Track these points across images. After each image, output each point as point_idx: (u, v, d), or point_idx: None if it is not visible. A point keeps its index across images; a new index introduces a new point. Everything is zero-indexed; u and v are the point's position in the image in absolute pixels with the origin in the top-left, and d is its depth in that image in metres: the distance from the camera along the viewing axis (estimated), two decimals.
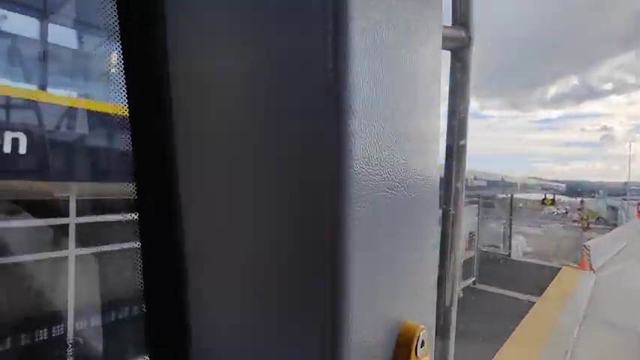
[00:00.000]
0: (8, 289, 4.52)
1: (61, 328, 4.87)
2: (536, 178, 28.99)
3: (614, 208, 35.18)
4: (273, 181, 0.51)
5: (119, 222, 5.32)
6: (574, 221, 32.02)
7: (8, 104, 2.63)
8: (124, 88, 0.65)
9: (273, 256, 0.51)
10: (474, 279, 12.67)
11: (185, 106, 0.60)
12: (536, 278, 12.87)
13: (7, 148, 2.57)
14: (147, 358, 0.66)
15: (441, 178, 0.76)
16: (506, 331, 8.30)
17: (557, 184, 30.57)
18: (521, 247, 18.22)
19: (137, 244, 0.66)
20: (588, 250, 14.30)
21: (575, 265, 14.79)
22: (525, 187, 20.61)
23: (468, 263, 12.25)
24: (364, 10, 0.46)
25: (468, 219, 12.08)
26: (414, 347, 0.53)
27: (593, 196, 42.72)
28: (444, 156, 0.85)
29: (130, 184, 0.63)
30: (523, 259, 16.83)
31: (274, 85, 0.50)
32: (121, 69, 0.65)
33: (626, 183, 50.05)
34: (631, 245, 17.55)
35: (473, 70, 0.83)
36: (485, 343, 7.32)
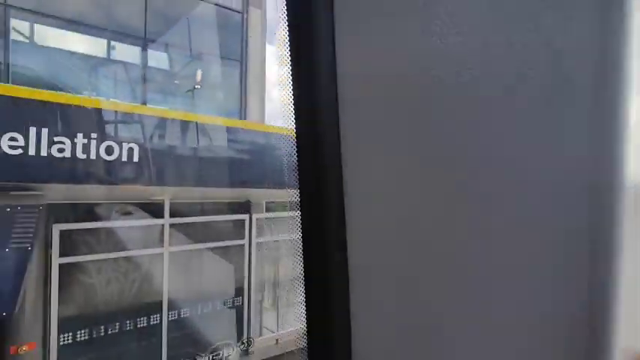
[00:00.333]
0: (116, 280, 5.22)
1: (157, 318, 5.48)
2: None
3: None
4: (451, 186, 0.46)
5: (216, 222, 5.90)
6: None
7: (139, 120, 3.09)
8: (289, 93, 0.63)
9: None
10: None
11: (352, 107, 0.56)
12: None
13: (124, 157, 3.01)
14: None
15: None
16: None
17: None
18: None
19: (300, 249, 0.64)
20: None
21: None
22: None
23: None
24: None
25: None
26: None
27: None
28: None
29: (293, 185, 0.62)
30: None
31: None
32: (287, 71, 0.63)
33: None
34: None
35: None
36: None
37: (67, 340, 4.75)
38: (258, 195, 5.98)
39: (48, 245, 4.37)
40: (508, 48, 0.41)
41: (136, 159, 3.05)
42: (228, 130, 3.78)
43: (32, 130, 2.59)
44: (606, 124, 0.37)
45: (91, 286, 4.93)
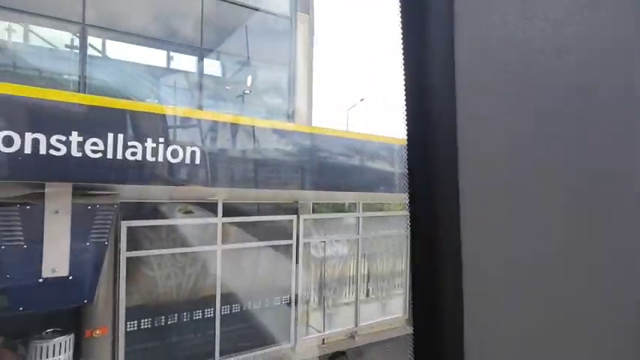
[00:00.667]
0: (174, 275, 5.58)
1: (211, 311, 5.78)
2: None
3: None
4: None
5: (269, 222, 6.13)
6: None
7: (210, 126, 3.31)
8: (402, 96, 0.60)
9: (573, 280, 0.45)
10: None
11: (471, 110, 0.54)
12: None
13: (188, 160, 3.23)
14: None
15: None
16: None
17: None
18: None
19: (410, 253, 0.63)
20: None
21: None
22: None
23: None
24: None
25: None
26: None
27: None
28: None
29: (405, 187, 0.61)
30: None
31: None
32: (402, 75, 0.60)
33: None
34: None
35: None
36: None
37: (133, 327, 5.18)
38: (306, 196, 6.08)
39: (117, 240, 4.81)
40: None
41: (197, 161, 3.26)
42: (279, 132, 3.91)
43: (110, 136, 2.87)
44: None
45: (152, 279, 5.34)
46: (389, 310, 7.55)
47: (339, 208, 9.92)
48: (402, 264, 7.75)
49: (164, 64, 6.71)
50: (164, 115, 3.22)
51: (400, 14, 0.59)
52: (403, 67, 0.60)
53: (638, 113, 0.40)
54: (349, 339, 6.93)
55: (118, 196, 3.71)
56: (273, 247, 6.30)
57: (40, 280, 2.97)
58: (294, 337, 6.37)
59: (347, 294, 7.18)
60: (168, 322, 5.45)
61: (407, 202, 0.62)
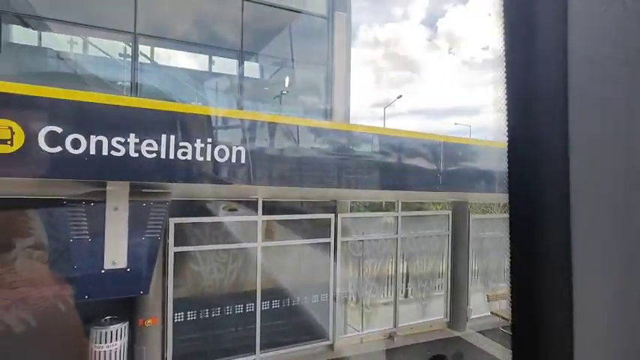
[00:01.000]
0: (218, 270, 5.81)
1: (252, 306, 5.95)
2: None
3: None
4: None
5: (315, 220, 6.22)
6: None
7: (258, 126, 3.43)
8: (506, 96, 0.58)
9: None
10: None
11: (583, 112, 0.51)
12: None
13: (234, 159, 3.35)
14: None
15: None
16: None
17: None
18: None
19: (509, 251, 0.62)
20: None
21: None
22: None
23: None
24: None
25: None
26: None
27: None
28: None
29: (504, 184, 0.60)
30: None
31: None
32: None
33: None
34: None
35: None
36: None
37: (180, 318, 5.47)
38: (345, 195, 6.08)
39: (166, 236, 5.09)
40: None
41: (242, 160, 3.37)
42: (320, 131, 3.95)
43: (163, 137, 3.05)
44: None
45: (198, 274, 5.60)
46: (429, 312, 7.36)
47: (375, 207, 9.82)
48: (442, 265, 7.51)
49: (206, 68, 7.00)
50: (210, 116, 3.37)
51: (503, 10, 0.57)
52: (505, 66, 0.58)
53: None
54: (388, 339, 6.84)
55: (170, 194, 3.93)
56: (311, 245, 6.37)
57: (102, 272, 3.23)
58: (332, 334, 6.40)
59: (385, 294, 7.09)
60: (212, 315, 5.69)
61: (507, 205, 0.60)
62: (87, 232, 3.18)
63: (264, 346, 5.94)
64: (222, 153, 3.30)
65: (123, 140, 2.94)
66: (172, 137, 3.12)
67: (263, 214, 5.89)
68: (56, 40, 5.74)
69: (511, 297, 0.59)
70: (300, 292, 6.25)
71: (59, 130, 2.74)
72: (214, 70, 7.05)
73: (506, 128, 0.58)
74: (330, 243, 6.40)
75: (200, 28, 6.47)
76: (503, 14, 0.56)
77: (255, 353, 5.86)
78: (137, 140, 2.99)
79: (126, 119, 2.98)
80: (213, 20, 6.60)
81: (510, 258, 0.60)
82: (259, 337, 5.90)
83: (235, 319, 5.82)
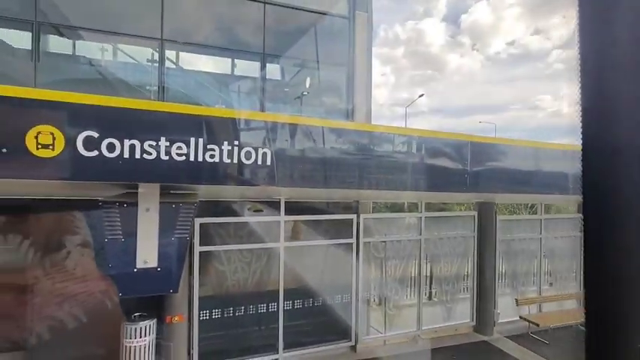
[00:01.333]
0: (241, 269, 5.90)
1: (274, 306, 6.01)
2: None
3: None
4: None
5: (338, 220, 6.25)
6: None
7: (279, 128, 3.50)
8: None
9: None
10: None
11: None
12: None
13: (259, 161, 3.40)
14: None
15: None
16: None
17: None
18: None
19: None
20: None
21: None
22: None
23: None
24: None
25: None
26: None
27: None
28: None
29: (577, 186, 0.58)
30: None
31: None
32: None
33: None
34: None
35: None
36: None
37: (205, 316, 5.60)
38: (368, 195, 6.05)
39: (192, 236, 5.22)
40: None
41: (268, 162, 3.42)
42: (342, 131, 3.95)
43: (192, 140, 3.14)
44: None
45: (222, 273, 5.72)
46: (454, 315, 7.20)
47: (397, 207, 9.70)
48: (467, 267, 7.34)
49: (229, 71, 7.13)
50: (236, 118, 3.43)
51: (578, 12, 0.56)
52: (580, 72, 0.57)
53: None
54: (412, 342, 6.74)
55: (197, 195, 4.04)
56: (333, 245, 6.37)
57: (135, 270, 3.35)
58: (355, 335, 6.38)
59: (408, 295, 6.99)
60: (236, 314, 5.79)
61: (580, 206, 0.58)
62: (121, 232, 3.31)
63: (287, 346, 5.99)
64: (248, 155, 3.36)
65: (154, 144, 3.05)
66: (201, 140, 3.21)
67: (285, 214, 5.95)
68: (89, 48, 6.00)
69: (586, 299, 0.57)
70: (322, 292, 6.26)
71: (95, 134, 2.87)
72: (237, 72, 7.17)
73: (581, 131, 0.57)
74: (352, 243, 6.38)
75: (223, 32, 6.60)
76: (578, 16, 0.54)
77: (278, 352, 5.92)
78: (167, 143, 3.09)
79: (157, 123, 3.09)
80: (236, 24, 6.72)
81: (584, 260, 0.58)
82: (282, 337, 5.96)
83: (258, 318, 5.90)
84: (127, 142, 2.93)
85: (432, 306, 7.07)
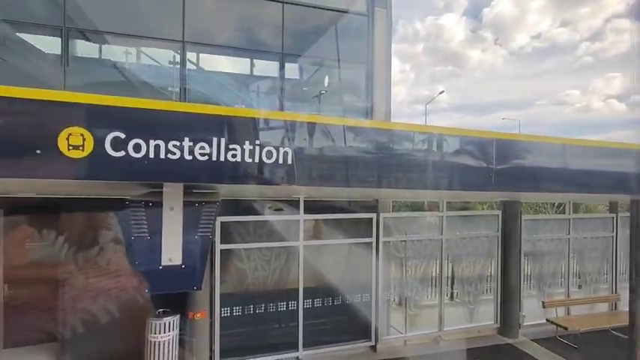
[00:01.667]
0: (261, 268, 5.95)
1: (294, 304, 6.04)
2: None
3: None
4: None
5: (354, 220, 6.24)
6: None
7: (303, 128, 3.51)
8: None
9: None
10: None
11: None
12: None
13: (280, 160, 3.40)
14: None
15: None
16: None
17: None
18: None
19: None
20: None
21: None
22: None
23: None
24: None
25: None
26: None
27: None
28: None
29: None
30: None
31: None
32: None
33: None
34: None
35: None
36: None
37: (226, 313, 5.69)
38: (387, 194, 5.98)
39: (213, 234, 5.31)
40: None
41: (289, 161, 3.42)
42: (362, 130, 3.90)
43: (214, 140, 3.18)
44: None
45: (242, 271, 5.79)
46: (477, 317, 7.03)
47: (417, 206, 9.54)
48: (491, 267, 7.14)
49: (248, 72, 7.20)
50: (256, 118, 3.45)
51: None
52: None
53: None
54: (433, 343, 6.63)
55: (219, 194, 4.09)
56: (353, 244, 6.34)
57: (160, 268, 3.43)
58: (374, 335, 6.33)
59: (429, 296, 6.88)
60: (256, 311, 5.85)
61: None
62: (146, 231, 3.39)
63: (307, 344, 6.01)
64: (269, 154, 3.37)
65: (178, 144, 3.10)
66: (222, 140, 3.24)
67: (305, 213, 5.96)
68: (113, 52, 6.18)
69: (631, 302, 0.54)
70: (342, 291, 6.24)
71: (122, 135, 2.95)
72: (256, 73, 7.23)
73: None
74: (371, 243, 6.33)
75: (242, 33, 6.66)
76: None
77: (298, 350, 5.96)
78: (191, 143, 3.13)
79: (180, 123, 3.14)
80: (255, 24, 6.76)
81: (631, 262, 0.54)
82: (302, 335, 5.98)
83: (278, 316, 5.95)
84: (152, 143, 3.00)
85: (454, 307, 6.93)
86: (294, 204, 6.00)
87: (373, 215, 6.36)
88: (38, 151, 2.76)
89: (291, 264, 6.04)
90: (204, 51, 6.70)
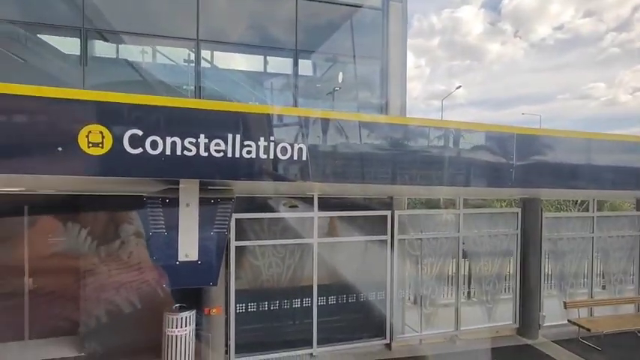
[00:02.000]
0: (276, 264, 5.97)
1: (309, 301, 6.04)
2: None
3: None
4: None
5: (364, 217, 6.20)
6: None
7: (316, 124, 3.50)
8: None
9: None
10: None
11: None
12: None
13: (295, 156, 3.39)
14: None
15: None
16: None
17: None
18: None
19: None
20: None
21: None
22: None
23: None
24: None
25: None
26: None
27: None
28: None
29: None
30: None
31: None
32: None
33: None
34: None
35: None
36: None
37: (241, 309, 5.73)
38: (402, 191, 5.89)
39: (229, 230, 5.35)
40: None
41: (304, 157, 3.41)
42: (377, 126, 3.85)
43: (229, 136, 3.19)
44: None
45: (257, 267, 5.82)
46: (495, 316, 6.88)
47: (432, 203, 9.39)
48: (510, 266, 6.97)
49: (261, 69, 7.21)
50: (270, 114, 3.44)
51: None
52: None
53: None
54: (449, 342, 6.52)
55: (234, 190, 4.12)
56: (367, 242, 6.28)
57: (177, 263, 3.48)
58: (389, 333, 6.27)
59: (446, 294, 6.76)
60: (271, 308, 5.88)
61: None
62: (164, 227, 3.44)
63: (321, 341, 6.00)
64: (284, 150, 3.36)
65: (194, 140, 3.12)
66: (237, 136, 3.25)
67: (319, 210, 5.94)
68: (130, 51, 6.28)
69: None
70: (356, 289, 6.20)
71: (140, 132, 2.98)
72: (269, 70, 7.23)
73: None
74: (386, 240, 6.26)
75: (256, 30, 6.67)
76: None
77: (312, 347, 5.96)
78: (206, 140, 3.15)
79: (196, 120, 3.16)
80: (268, 21, 6.76)
81: None
82: (316, 332, 5.98)
83: (293, 313, 5.96)
84: (168, 140, 3.03)
85: (471, 306, 6.79)
86: (308, 201, 5.99)
87: (388, 213, 6.29)
88: (60, 149, 2.82)
89: (305, 261, 6.04)
90: (219, 49, 6.73)
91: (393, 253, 6.27)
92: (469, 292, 6.87)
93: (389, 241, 6.27)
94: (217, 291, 5.37)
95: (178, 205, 3.50)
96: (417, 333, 6.44)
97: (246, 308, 5.79)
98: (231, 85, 6.88)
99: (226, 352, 5.62)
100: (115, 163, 2.96)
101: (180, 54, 6.47)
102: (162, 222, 3.44)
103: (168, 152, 3.07)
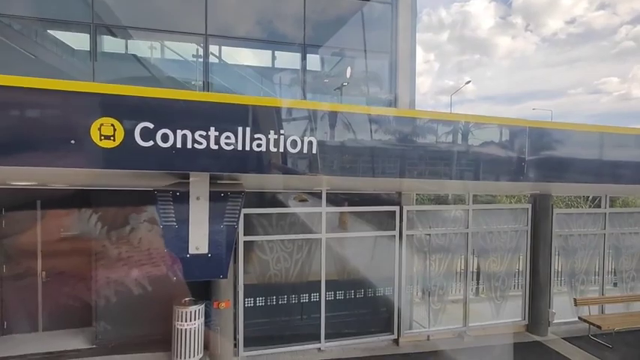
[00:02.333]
0: (284, 259, 5.99)
1: (316, 296, 6.05)
2: None
3: None
4: None
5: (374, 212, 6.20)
6: None
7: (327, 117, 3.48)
8: None
9: None
10: None
11: None
12: None
13: (305, 150, 3.37)
14: None
15: None
16: None
17: None
18: None
19: None
20: None
21: None
22: None
23: None
24: None
25: None
26: None
27: None
28: None
29: None
30: None
31: None
32: None
33: None
34: None
35: None
36: None
37: (249, 303, 5.76)
38: (410, 186, 5.85)
39: (238, 224, 5.37)
40: None
41: (314, 151, 3.39)
42: (387, 119, 3.81)
43: (239, 130, 3.19)
44: None
45: (265, 262, 5.84)
46: (504, 313, 6.83)
47: (441, 199, 9.32)
48: (519, 263, 6.90)
49: (269, 64, 7.19)
50: (280, 107, 3.43)
51: None
52: None
53: None
54: (457, 338, 6.49)
55: (243, 184, 4.12)
56: (375, 237, 6.26)
57: (187, 256, 3.50)
58: (397, 329, 6.26)
59: (454, 290, 6.73)
60: (279, 302, 5.90)
61: None
62: (174, 220, 3.46)
63: (329, 336, 6.02)
64: (294, 144, 3.35)
65: (204, 134, 3.13)
66: (248, 129, 3.24)
67: (327, 205, 5.93)
68: (138, 47, 6.31)
69: None
70: (364, 284, 6.20)
71: (151, 125, 2.99)
72: (277, 65, 7.21)
73: None
74: (394, 236, 6.23)
75: (263, 25, 6.65)
76: None
77: (320, 342, 5.97)
78: (217, 133, 3.15)
79: (206, 114, 3.16)
80: (276, 16, 6.73)
81: None
82: (324, 327, 5.99)
83: (301, 308, 5.98)
84: (179, 133, 3.03)
85: (480, 302, 6.75)
86: (316, 196, 5.98)
87: (396, 208, 6.26)
88: (72, 142, 2.84)
89: (313, 256, 6.04)
90: (227, 44, 6.73)
91: (402, 248, 6.24)
92: (478, 289, 6.82)
93: (397, 237, 6.25)
94: (226, 285, 5.41)
95: (189, 199, 3.52)
96: (425, 329, 6.43)
97: (255, 302, 5.82)
98: (239, 80, 6.88)
99: (235, 346, 5.67)
100: (126, 155, 2.97)
101: (188, 49, 6.48)
102: (173, 215, 3.46)
103: (179, 145, 3.07)
